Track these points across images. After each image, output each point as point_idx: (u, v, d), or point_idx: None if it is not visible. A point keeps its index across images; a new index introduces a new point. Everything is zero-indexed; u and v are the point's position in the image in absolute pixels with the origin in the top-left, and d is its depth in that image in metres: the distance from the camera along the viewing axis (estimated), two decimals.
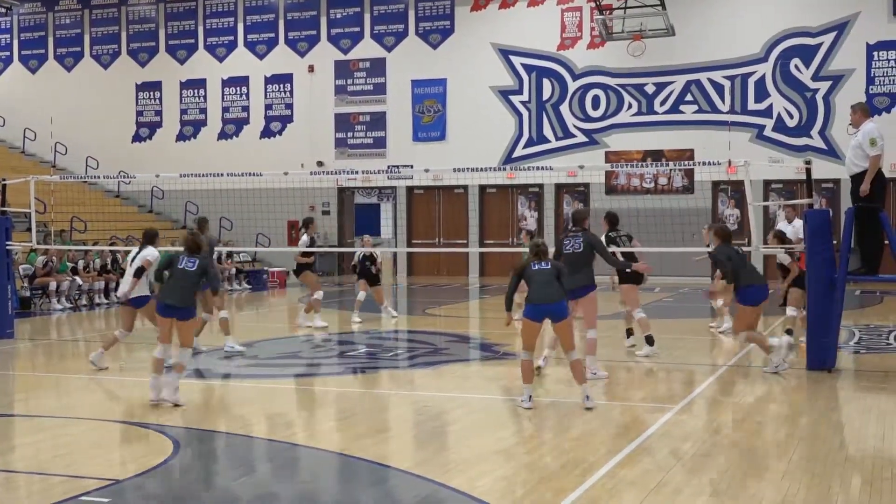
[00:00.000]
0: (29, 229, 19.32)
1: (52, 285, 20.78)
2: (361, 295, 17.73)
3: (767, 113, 27.35)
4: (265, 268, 28.66)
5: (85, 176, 30.05)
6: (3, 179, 18.09)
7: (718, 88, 27.64)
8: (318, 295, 16.50)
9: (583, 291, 11.15)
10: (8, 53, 35.02)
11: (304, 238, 16.69)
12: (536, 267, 9.75)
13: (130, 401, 10.66)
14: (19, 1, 32.74)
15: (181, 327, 10.16)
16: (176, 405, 9.76)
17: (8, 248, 15.87)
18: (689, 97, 27.87)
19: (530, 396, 9.64)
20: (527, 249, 12.08)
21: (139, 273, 11.99)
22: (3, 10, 31.61)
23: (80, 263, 21.84)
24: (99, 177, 30.31)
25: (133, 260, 12.31)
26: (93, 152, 32.36)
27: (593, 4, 27.01)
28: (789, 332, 13.24)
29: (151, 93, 33.29)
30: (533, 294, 9.66)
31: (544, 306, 9.54)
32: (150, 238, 12.54)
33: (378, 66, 30.69)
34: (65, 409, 10.14)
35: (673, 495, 6.70)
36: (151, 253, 12.15)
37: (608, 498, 6.68)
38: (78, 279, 21.50)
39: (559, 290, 9.66)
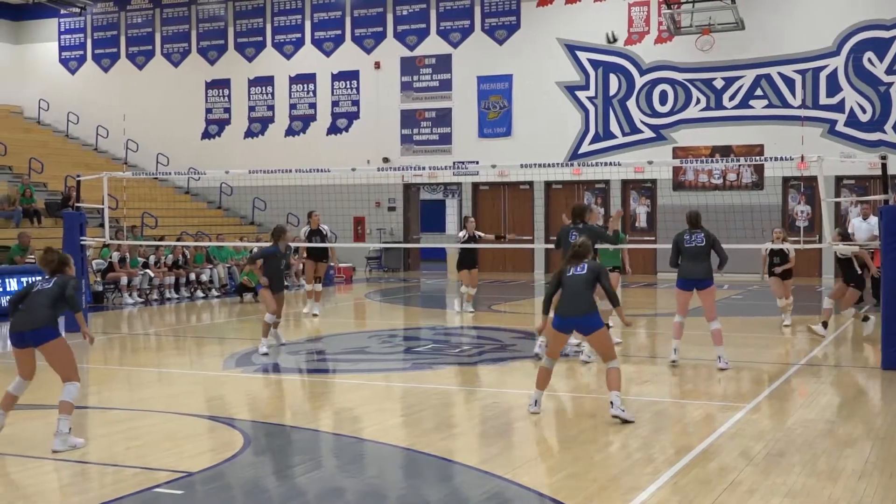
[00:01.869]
0: (102, 225, 19.66)
1: (124, 280, 21.10)
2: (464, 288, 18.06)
3: (839, 108, 26.81)
4: (331, 264, 28.80)
5: (156, 172, 30.53)
6: (77, 176, 18.42)
7: (789, 83, 27.14)
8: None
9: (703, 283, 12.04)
10: (81, 52, 35.63)
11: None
12: (571, 272, 9.29)
13: (201, 395, 10.78)
14: (92, 1, 33.30)
15: (49, 357, 8.44)
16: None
17: (82, 243, 16.14)
18: (758, 92, 27.41)
19: (537, 401, 9.28)
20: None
21: None
22: (77, 10, 32.19)
23: (152, 259, 22.15)
24: (169, 173, 30.76)
25: None
26: (163, 149, 32.82)
27: None
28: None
29: (220, 90, 33.65)
30: (561, 304, 9.25)
31: (571, 319, 9.15)
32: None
33: (444, 63, 30.67)
34: (137, 402, 10.29)
35: (746, 496, 6.59)
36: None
37: (680, 497, 6.58)
38: (150, 273, 21.82)
39: (589, 302, 9.17)
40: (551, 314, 9.44)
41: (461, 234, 17.97)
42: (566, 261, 9.49)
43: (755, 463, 7.43)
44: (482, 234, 18.49)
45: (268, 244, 14.24)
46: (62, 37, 35.88)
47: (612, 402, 8.81)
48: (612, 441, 8.33)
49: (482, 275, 20.96)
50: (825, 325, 14.43)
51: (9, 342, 8.50)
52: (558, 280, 9.36)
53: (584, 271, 9.23)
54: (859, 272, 14.55)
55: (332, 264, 19.24)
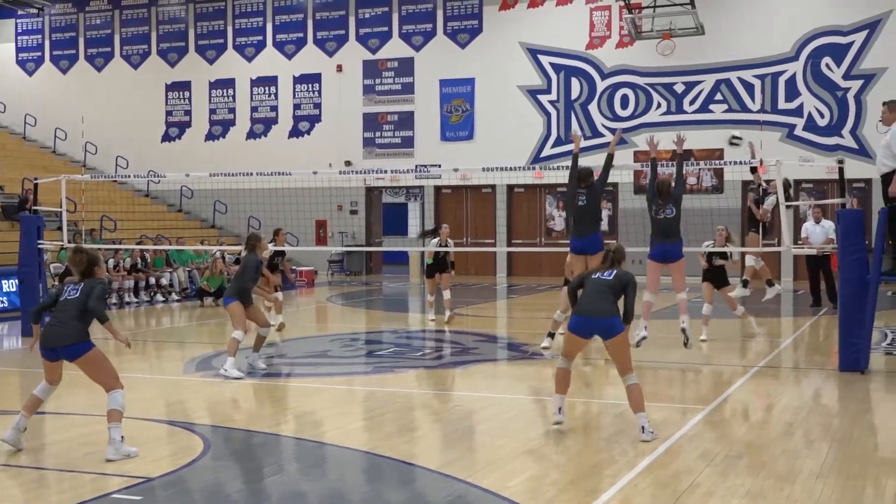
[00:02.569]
0: (60, 228, 19.45)
1: None
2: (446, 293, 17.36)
3: (798, 112, 27.13)
4: (293, 267, 28.70)
5: (115, 175, 30.25)
6: (35, 179, 18.25)
7: (748, 87, 27.44)
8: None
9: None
10: (39, 54, 35.29)
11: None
12: (597, 275, 8.70)
13: (161, 399, 10.70)
14: (50, 1, 32.97)
15: (86, 369, 8.48)
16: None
17: (39, 246, 15.99)
18: (718, 96, 27.69)
19: (560, 409, 8.61)
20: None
21: None
22: (35, 11, 31.89)
23: (111, 262, 21.97)
24: (129, 176, 30.52)
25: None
26: (122, 152, 32.56)
27: (622, 3, 26.90)
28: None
29: (181, 93, 33.46)
30: (581, 303, 8.59)
31: (592, 319, 8.45)
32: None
33: (406, 66, 30.69)
34: (95, 408, 10.15)
35: (706, 497, 6.64)
36: None
37: (640, 499, 6.63)
38: (108, 277, 21.63)
39: (611, 305, 8.50)
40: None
41: (434, 240, 17.65)
42: (599, 265, 8.93)
43: (714, 465, 7.50)
44: (452, 245, 17.94)
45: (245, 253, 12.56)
46: (19, 38, 35.53)
47: (642, 428, 8.23)
48: (572, 444, 8.36)
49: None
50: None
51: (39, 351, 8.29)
52: (580, 283, 8.83)
53: (612, 278, 8.61)
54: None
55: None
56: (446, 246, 17.50)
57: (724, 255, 14.91)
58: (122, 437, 7.95)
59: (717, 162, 26.11)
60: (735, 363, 13.13)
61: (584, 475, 7.26)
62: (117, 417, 7.99)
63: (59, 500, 6.84)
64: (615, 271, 8.67)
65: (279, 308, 16.44)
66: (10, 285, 19.56)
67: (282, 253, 17.21)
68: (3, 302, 19.73)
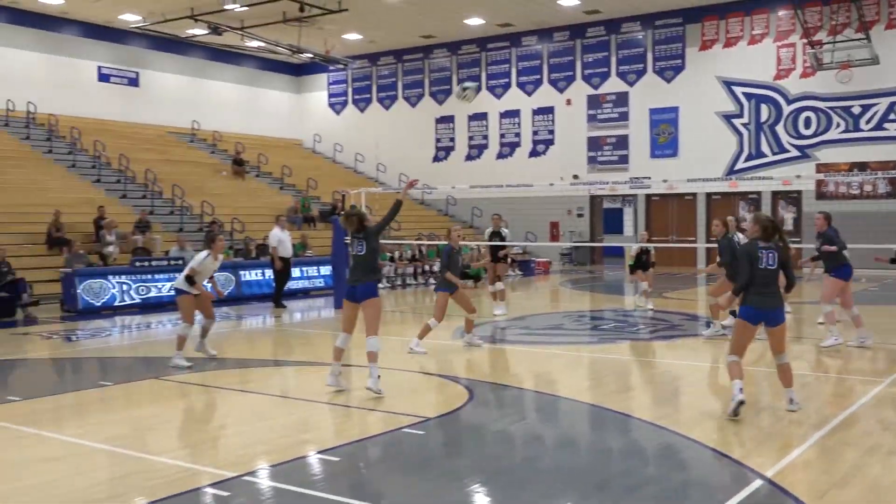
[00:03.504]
0: None
1: None
2: (644, 285, 16.52)
3: None
4: (533, 258, 28.80)
5: (398, 187, 31.33)
6: (342, 191, 19.18)
7: None
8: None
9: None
10: (344, 98, 37.07)
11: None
12: (764, 265, 7.26)
13: (434, 358, 10.96)
14: (352, 59, 34.57)
15: (364, 312, 8.50)
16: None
17: (345, 242, 16.74)
18: (892, 116, 25.44)
19: (741, 389, 7.16)
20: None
21: (189, 279, 10.30)
22: (342, 67, 33.47)
23: (396, 253, 22.80)
24: None
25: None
26: (403, 170, 33.69)
27: (805, 41, 25.27)
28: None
29: (447, 124, 34.22)
30: (752, 294, 7.33)
31: (764, 312, 7.29)
32: (208, 242, 10.72)
33: (622, 98, 30.06)
34: (385, 362, 10.53)
35: (886, 456, 6.14)
36: (199, 259, 10.39)
37: (828, 455, 6.21)
38: (394, 265, 22.45)
39: (778, 295, 7.36)
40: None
41: (635, 245, 17.09)
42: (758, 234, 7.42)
43: (893, 430, 6.91)
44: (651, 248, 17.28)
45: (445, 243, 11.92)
46: (330, 87, 37.43)
47: (791, 399, 7.46)
48: (765, 407, 7.93)
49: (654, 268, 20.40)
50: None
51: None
52: (750, 260, 7.35)
53: (776, 266, 7.35)
54: None
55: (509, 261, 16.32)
56: (647, 250, 16.82)
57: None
58: (378, 375, 8.24)
59: (891, 172, 24.08)
60: None
61: (777, 434, 6.87)
62: (374, 357, 8.31)
63: (360, 431, 7.12)
64: (776, 255, 7.34)
65: (501, 296, 15.34)
66: (326, 270, 20.66)
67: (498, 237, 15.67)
68: (321, 282, 20.87)
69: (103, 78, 30.83)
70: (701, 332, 12.95)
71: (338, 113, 37.14)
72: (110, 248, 19.42)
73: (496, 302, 15.52)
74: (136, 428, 7.24)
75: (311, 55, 27.50)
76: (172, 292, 11.31)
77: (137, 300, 17.28)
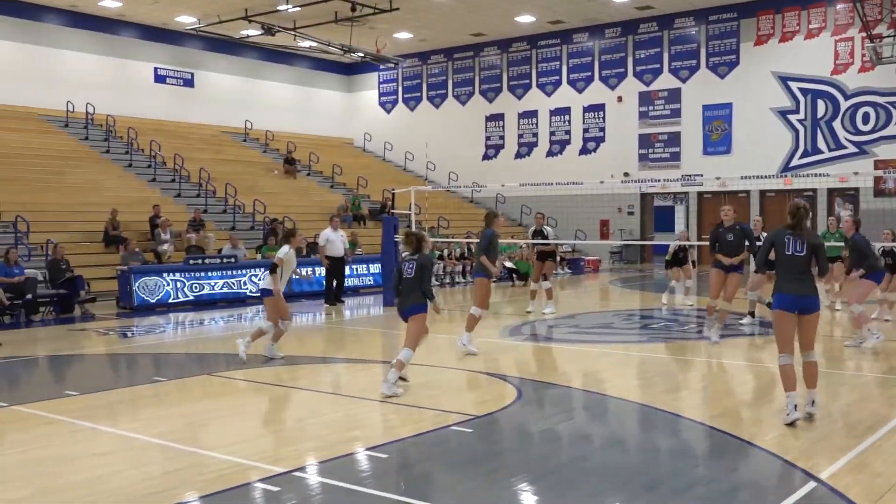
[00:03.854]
0: (409, 226, 20.45)
1: None
2: (677, 285, 16.90)
3: None
4: (583, 257, 28.61)
5: (448, 186, 31.42)
6: (392, 189, 19.28)
7: None
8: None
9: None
10: (395, 97, 37.24)
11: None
12: (791, 252, 7.07)
13: (482, 356, 10.95)
14: (403, 58, 34.70)
15: (408, 325, 8.62)
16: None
17: (395, 239, 16.85)
18: None
19: (795, 406, 6.90)
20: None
21: (273, 269, 10.40)
22: (392, 66, 33.60)
23: (445, 251, 22.83)
24: (458, 187, 31.57)
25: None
26: (453, 168, 33.74)
27: (864, 34, 24.65)
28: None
29: (497, 122, 34.16)
30: (783, 281, 7.07)
31: (796, 297, 7.00)
32: (286, 236, 10.83)
33: (674, 95, 29.68)
34: (435, 360, 10.57)
35: None
36: (284, 251, 10.48)
37: (883, 457, 6.06)
38: (444, 263, 22.49)
39: (811, 282, 7.05)
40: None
41: (674, 243, 17.35)
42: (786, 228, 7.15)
43: None
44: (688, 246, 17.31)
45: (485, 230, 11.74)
46: (381, 86, 37.63)
47: (812, 402, 7.11)
48: (817, 409, 7.78)
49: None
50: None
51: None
52: (771, 244, 7.24)
53: (804, 252, 7.07)
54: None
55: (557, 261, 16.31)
56: (684, 249, 16.84)
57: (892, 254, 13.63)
58: (396, 380, 8.25)
59: None
60: None
61: (831, 435, 6.73)
62: (400, 366, 8.31)
63: (409, 428, 7.13)
64: (805, 241, 7.08)
65: (549, 295, 15.23)
66: (376, 268, 20.78)
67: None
68: (371, 280, 21.00)
69: (159, 79, 31.41)
70: (744, 331, 12.74)
71: (388, 112, 37.31)
72: (165, 247, 19.80)
73: (538, 301, 15.35)
74: (189, 423, 7.37)
75: (362, 54, 27.68)
76: (258, 293, 11.41)
77: (191, 297, 17.59)
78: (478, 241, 11.58)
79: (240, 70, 33.88)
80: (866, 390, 8.49)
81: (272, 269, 10.41)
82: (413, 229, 9.13)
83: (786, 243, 7.13)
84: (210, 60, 32.81)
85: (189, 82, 32.27)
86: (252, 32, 28.96)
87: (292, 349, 11.91)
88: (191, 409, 8.00)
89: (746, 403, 8.04)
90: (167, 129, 30.06)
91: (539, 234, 15.63)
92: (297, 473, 5.79)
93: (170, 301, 17.26)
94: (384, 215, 21.93)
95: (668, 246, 17.79)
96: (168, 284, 17.35)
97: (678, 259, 16.99)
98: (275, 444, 6.74)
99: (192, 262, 17.92)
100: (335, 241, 17.68)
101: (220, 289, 17.96)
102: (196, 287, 17.69)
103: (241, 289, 18.27)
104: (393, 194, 18.60)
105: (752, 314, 13.75)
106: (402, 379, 8.58)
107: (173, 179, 25.80)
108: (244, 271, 18.42)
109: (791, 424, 6.87)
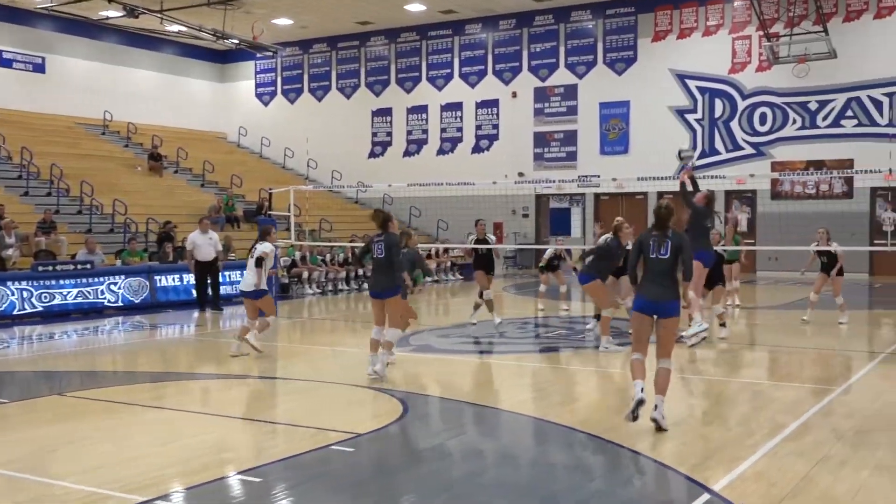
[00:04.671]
0: (288, 229, 20.24)
1: (305, 274, 21.67)
2: (545, 288, 17.71)
3: None
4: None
5: (331, 186, 31.23)
6: (269, 189, 19.04)
7: (877, 104, 25.82)
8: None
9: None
10: (273, 88, 36.77)
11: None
12: (654, 255, 7.49)
13: (365, 369, 10.90)
14: (282, 46, 34.27)
15: (387, 308, 9.76)
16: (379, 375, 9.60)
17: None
18: (849, 112, 26.19)
19: (642, 388, 7.33)
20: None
21: (259, 263, 11.41)
22: (270, 54, 33.14)
23: (328, 257, 22.68)
24: (342, 186, 31.42)
25: (252, 254, 11.74)
26: (337, 166, 33.57)
27: (761, 33, 25.90)
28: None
29: (384, 118, 34.20)
30: (643, 285, 7.56)
31: (654, 301, 7.45)
32: (264, 233, 11.96)
33: (571, 92, 30.40)
34: (314, 375, 10.52)
35: (838, 467, 6.31)
36: (268, 247, 11.60)
37: (779, 466, 6.36)
38: (325, 269, 22.34)
39: (672, 287, 7.45)
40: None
41: (550, 250, 17.70)
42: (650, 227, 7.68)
43: (845, 439, 7.11)
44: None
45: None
46: (257, 76, 37.10)
47: (656, 406, 7.33)
48: (714, 419, 8.10)
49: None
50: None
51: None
52: (639, 250, 7.64)
53: (668, 255, 7.45)
54: None
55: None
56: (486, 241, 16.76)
57: (828, 254, 14.60)
58: (388, 364, 9.79)
59: (847, 171, 24.81)
60: (864, 349, 12.42)
61: (726, 445, 7.01)
62: (389, 346, 9.78)
63: (285, 449, 7.04)
64: (669, 243, 7.47)
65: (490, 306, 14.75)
66: None
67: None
68: None
69: (5, 63, 30.06)
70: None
71: (265, 104, 36.83)
72: (9, 251, 18.92)
73: (494, 312, 14.75)
74: (36, 449, 7.07)
75: (236, 41, 27.19)
76: (244, 293, 11.94)
77: (39, 308, 16.86)
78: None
79: (99, 55, 32.77)
80: (762, 398, 8.89)
81: (258, 262, 11.41)
82: (379, 208, 10.54)
83: (650, 245, 7.54)
84: (64, 43, 31.60)
85: (40, 67, 31.00)
86: (113, 14, 28.02)
87: (157, 365, 11.60)
88: (38, 433, 7.66)
89: (642, 414, 8.27)
90: (13, 119, 28.79)
91: (484, 242, 15.37)
92: (159, 502, 5.63)
93: (14, 313, 16.49)
94: (260, 217, 21.63)
95: (567, 251, 18.29)
96: (13, 294, 16.58)
97: (552, 266, 17.67)
98: (135, 470, 6.52)
99: (41, 268, 17.19)
100: (203, 244, 17.57)
101: (74, 298, 17.27)
102: (45, 297, 16.97)
103: (97, 298, 17.63)
104: (270, 194, 18.41)
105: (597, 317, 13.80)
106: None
107: (20, 176, 24.73)
108: (101, 279, 17.79)
109: (635, 414, 7.22)
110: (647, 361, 7.63)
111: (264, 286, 11.70)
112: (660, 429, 7.26)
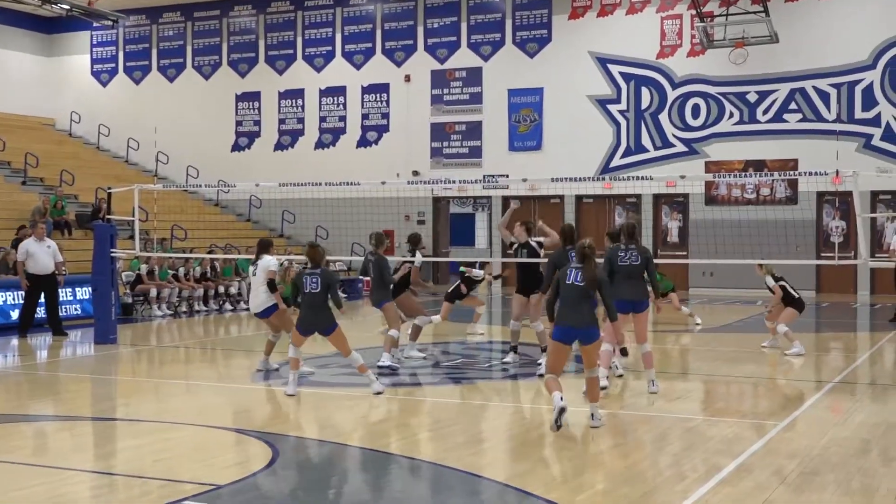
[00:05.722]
0: (132, 237, 19.83)
1: (153, 292, 21.24)
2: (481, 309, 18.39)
3: (875, 122, 26.59)
4: (361, 277, 28.83)
5: (185, 185, 30.74)
6: (108, 188, 18.63)
7: (824, 97, 26.97)
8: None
9: (641, 305, 11.14)
10: (113, 65, 35.99)
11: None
12: (570, 280, 9.01)
13: (229, 407, 10.79)
14: (125, 13, 33.63)
15: (333, 341, 11.22)
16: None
17: (112, 255, 16.25)
18: (793, 105, 27.26)
19: (562, 397, 8.71)
20: None
21: (273, 287, 12.56)
22: (110, 23, 32.47)
23: (181, 271, 22.29)
24: (199, 186, 30.94)
25: (255, 272, 12.80)
26: (193, 161, 33.06)
27: (694, 12, 26.65)
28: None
29: (250, 103, 33.89)
30: (561, 313, 9.04)
31: (573, 330, 8.99)
32: (264, 247, 13.00)
33: (474, 76, 30.73)
34: (164, 414, 10.32)
35: None
36: (273, 262, 12.71)
37: None
38: (178, 286, 21.95)
39: (590, 313, 9.03)
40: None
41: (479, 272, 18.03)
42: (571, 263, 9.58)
43: (788, 482, 7.36)
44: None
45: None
46: (94, 49, 36.28)
47: (592, 415, 9.07)
48: (642, 459, 8.29)
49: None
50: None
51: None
52: (556, 287, 9.20)
53: (583, 283, 8.95)
54: None
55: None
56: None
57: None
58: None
59: (791, 173, 25.76)
60: (809, 378, 12.91)
61: (655, 490, 7.18)
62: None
63: None
64: (581, 270, 9.06)
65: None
66: (84, 293, 19.93)
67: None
68: (76, 309, 20.10)
69: None
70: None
71: (104, 84, 36.04)
72: None
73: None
74: None
75: (67, 6, 26.56)
76: (256, 315, 13.28)
77: None
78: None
79: None
80: (695, 436, 9.13)
81: (272, 286, 12.50)
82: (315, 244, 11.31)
83: (568, 274, 8.96)
84: None
85: None
86: None
87: None
88: None
89: (558, 456, 8.40)
90: None
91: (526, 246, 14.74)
92: None
93: None
94: (97, 222, 21.05)
95: (471, 264, 18.28)
96: None
97: (460, 294, 17.58)
98: None
99: None
100: (38, 254, 17.09)
101: None
102: None
103: None
104: (109, 194, 17.96)
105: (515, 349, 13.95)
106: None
107: None
108: None
109: (558, 422, 8.54)
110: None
111: (272, 301, 12.71)
112: (596, 428, 8.82)
